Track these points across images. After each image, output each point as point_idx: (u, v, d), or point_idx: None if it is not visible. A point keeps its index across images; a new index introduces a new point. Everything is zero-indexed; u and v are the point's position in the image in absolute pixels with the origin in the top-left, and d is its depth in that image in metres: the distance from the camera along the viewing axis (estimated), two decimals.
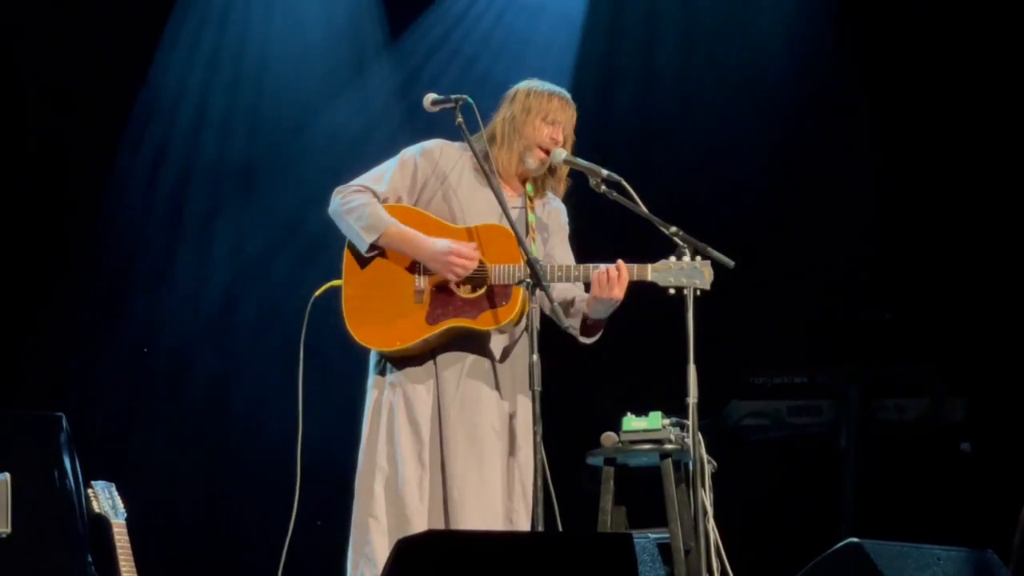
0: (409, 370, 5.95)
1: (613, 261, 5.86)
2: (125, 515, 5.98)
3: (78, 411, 8.25)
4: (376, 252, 5.94)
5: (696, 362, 5.69)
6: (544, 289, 5.69)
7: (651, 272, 5.83)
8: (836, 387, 9.60)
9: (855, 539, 6.42)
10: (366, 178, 6.03)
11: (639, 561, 6.19)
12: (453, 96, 5.93)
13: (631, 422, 6.28)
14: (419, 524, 5.80)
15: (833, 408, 9.60)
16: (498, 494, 5.89)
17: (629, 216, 5.93)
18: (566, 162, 5.95)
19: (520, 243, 5.76)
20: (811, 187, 9.51)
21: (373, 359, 6.05)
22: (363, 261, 5.96)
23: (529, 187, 6.08)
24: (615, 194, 5.86)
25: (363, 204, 5.93)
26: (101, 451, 8.30)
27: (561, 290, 6.00)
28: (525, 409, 5.95)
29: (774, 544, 8.85)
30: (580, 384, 8.74)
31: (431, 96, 5.95)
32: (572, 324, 5.98)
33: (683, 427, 6.15)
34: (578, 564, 4.54)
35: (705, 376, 5.75)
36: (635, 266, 5.84)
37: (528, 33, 9.62)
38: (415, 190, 6.02)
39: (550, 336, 5.90)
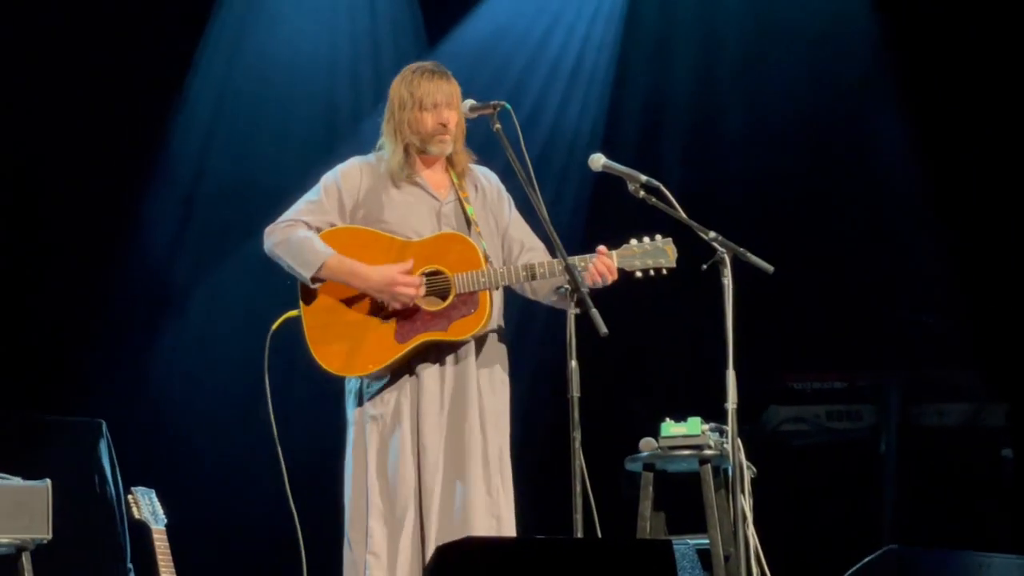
0: (388, 396, 5.87)
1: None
2: (165, 521, 5.99)
3: (119, 417, 8.29)
4: (323, 282, 5.90)
5: (735, 367, 5.67)
6: (582, 294, 5.65)
7: (616, 259, 5.82)
8: (876, 392, 9.57)
9: (895, 545, 6.41)
10: (294, 211, 5.96)
11: (679, 567, 6.17)
12: (491, 103, 5.91)
13: (670, 428, 6.27)
14: (416, 561, 5.77)
15: (873, 413, 9.57)
16: (499, 506, 5.88)
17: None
18: (604, 167, 5.94)
19: (558, 250, 5.72)
20: (853, 190, 9.48)
21: (348, 387, 5.98)
22: (317, 289, 5.91)
23: (453, 176, 6.02)
24: (654, 200, 5.85)
25: (298, 239, 5.87)
26: (141, 457, 8.32)
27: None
28: (497, 403, 5.92)
29: (814, 550, 8.82)
30: (618, 390, 8.73)
31: (469, 102, 5.94)
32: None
33: (722, 432, 6.14)
34: (618, 570, 4.54)
35: (744, 381, 5.73)
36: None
37: (565, 39, 9.63)
38: (345, 213, 5.95)
39: (587, 342, 5.88)
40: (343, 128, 9.35)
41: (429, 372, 5.87)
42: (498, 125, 5.86)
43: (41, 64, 8.83)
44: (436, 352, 5.87)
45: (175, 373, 9.09)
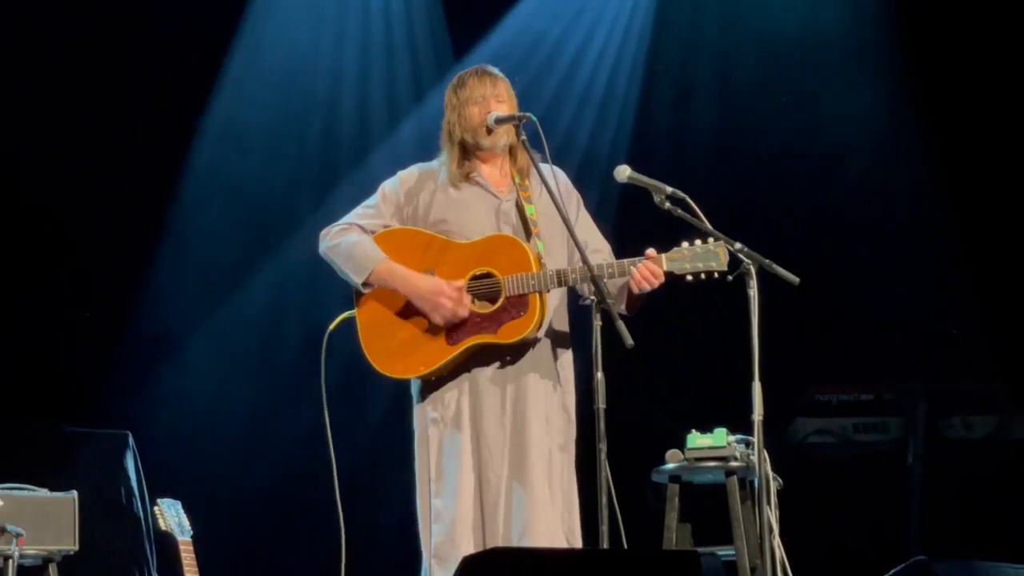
0: (448, 399, 5.87)
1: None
2: (191, 533, 6.00)
3: (145, 429, 8.31)
4: (373, 287, 5.92)
5: (761, 379, 5.66)
6: (609, 308, 5.63)
7: (666, 262, 5.80)
8: (903, 404, 9.54)
9: (923, 557, 6.38)
10: (352, 215, 6.01)
11: None
12: (517, 114, 5.92)
13: (696, 439, 6.25)
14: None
15: (900, 425, 9.55)
16: (559, 509, 5.88)
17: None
18: (630, 179, 5.92)
19: (584, 260, 5.72)
20: (877, 201, 9.46)
21: (413, 390, 6.00)
22: (372, 291, 5.93)
23: (515, 174, 6.03)
24: (680, 211, 5.84)
25: (350, 244, 5.92)
26: (167, 469, 8.33)
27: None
28: (556, 407, 5.91)
29: (840, 562, 8.80)
30: (645, 401, 8.72)
31: (494, 114, 5.94)
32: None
33: (748, 444, 6.12)
34: None
35: (770, 393, 5.71)
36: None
37: (593, 47, 9.64)
38: (403, 218, 5.99)
39: (615, 353, 5.88)
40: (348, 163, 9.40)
41: (486, 374, 5.88)
42: (523, 136, 5.87)
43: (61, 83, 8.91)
44: (491, 354, 5.88)
45: (201, 385, 9.10)
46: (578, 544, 5.87)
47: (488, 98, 5.96)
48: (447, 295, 5.82)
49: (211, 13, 9.17)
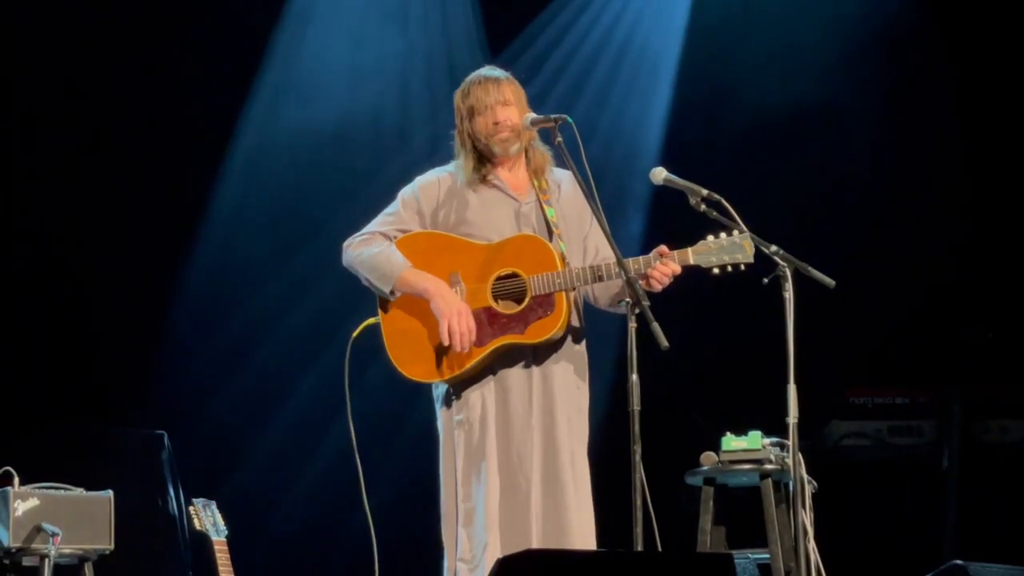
0: (473, 401, 5.86)
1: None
2: (226, 533, 6.02)
3: (180, 429, 8.34)
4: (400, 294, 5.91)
5: (796, 381, 5.65)
6: (643, 308, 5.61)
7: (692, 256, 5.80)
8: (938, 407, 9.51)
9: (958, 561, 6.36)
10: (373, 224, 6.01)
11: None
12: (553, 116, 5.90)
13: (731, 442, 6.25)
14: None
15: (935, 429, 9.52)
16: (587, 512, 5.88)
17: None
18: (666, 181, 5.91)
19: (619, 263, 5.71)
20: (912, 205, 9.44)
21: (435, 393, 5.99)
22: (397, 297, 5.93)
23: (533, 176, 6.03)
24: (715, 213, 5.83)
25: (373, 254, 5.91)
26: (202, 469, 8.36)
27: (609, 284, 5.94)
28: (577, 405, 5.92)
29: (875, 565, 8.78)
30: (679, 404, 8.71)
31: (530, 116, 5.94)
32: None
33: (783, 447, 6.11)
34: None
35: (805, 396, 5.70)
36: (676, 252, 5.81)
37: (627, 47, 9.64)
38: (425, 223, 5.99)
39: (649, 356, 5.88)
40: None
41: (513, 374, 5.87)
42: (559, 138, 5.84)
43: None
44: (517, 354, 5.87)
45: (236, 385, 9.13)
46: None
47: (492, 106, 5.93)
48: (467, 319, 5.79)
49: (244, 28, 9.21)
